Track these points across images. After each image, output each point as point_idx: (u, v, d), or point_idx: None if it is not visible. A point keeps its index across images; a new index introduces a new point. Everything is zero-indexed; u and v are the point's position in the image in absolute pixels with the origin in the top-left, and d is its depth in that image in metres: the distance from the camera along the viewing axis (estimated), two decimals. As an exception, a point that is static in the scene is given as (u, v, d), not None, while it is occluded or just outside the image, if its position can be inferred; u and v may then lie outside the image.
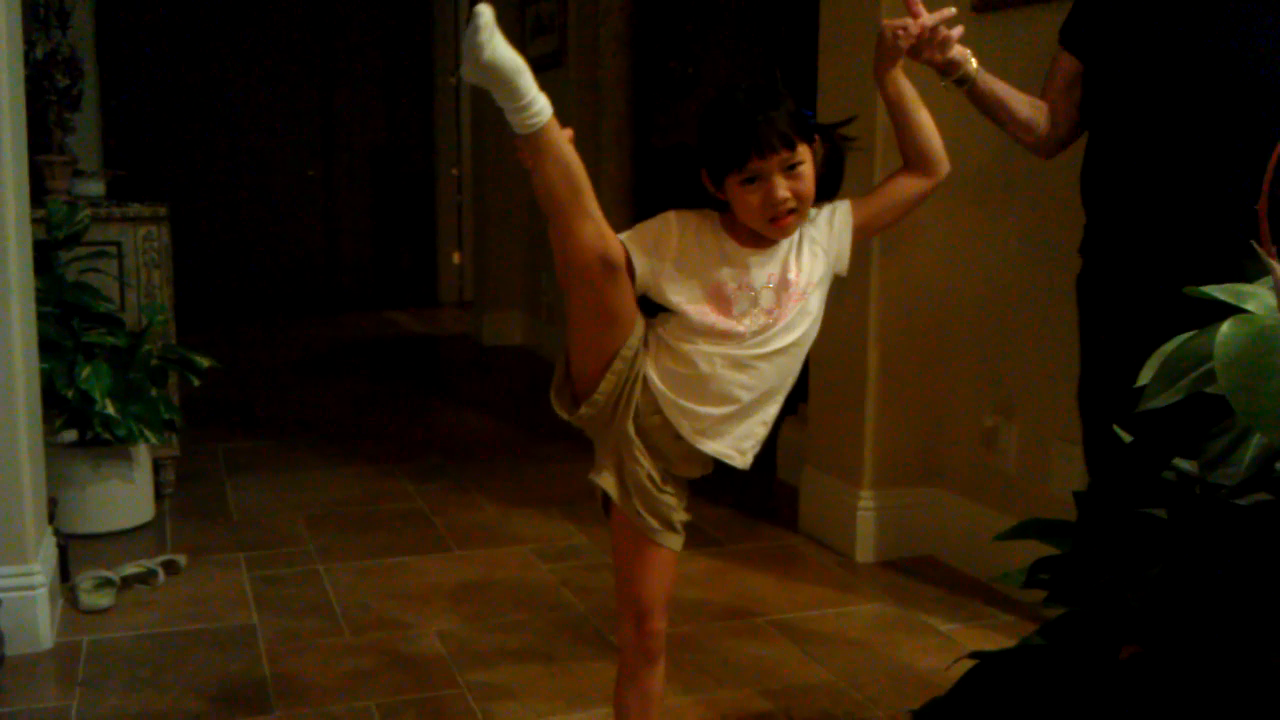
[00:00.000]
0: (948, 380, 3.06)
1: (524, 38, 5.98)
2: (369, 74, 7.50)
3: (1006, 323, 2.88)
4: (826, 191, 1.76)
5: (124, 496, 3.28)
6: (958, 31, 1.96)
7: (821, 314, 1.79)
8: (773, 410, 1.78)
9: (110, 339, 3.20)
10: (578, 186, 1.61)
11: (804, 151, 1.67)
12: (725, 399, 1.71)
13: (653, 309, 1.73)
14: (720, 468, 1.80)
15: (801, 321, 1.75)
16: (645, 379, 1.71)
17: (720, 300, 1.69)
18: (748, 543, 3.22)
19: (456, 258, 7.76)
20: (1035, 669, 0.79)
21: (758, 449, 1.80)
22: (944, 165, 1.84)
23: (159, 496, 3.46)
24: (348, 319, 7.19)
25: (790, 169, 1.65)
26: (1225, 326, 0.61)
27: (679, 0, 5.05)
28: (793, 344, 1.74)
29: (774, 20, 4.31)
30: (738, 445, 1.76)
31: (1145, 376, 0.74)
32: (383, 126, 7.62)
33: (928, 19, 1.88)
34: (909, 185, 1.84)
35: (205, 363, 3.42)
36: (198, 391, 3.59)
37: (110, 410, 3.11)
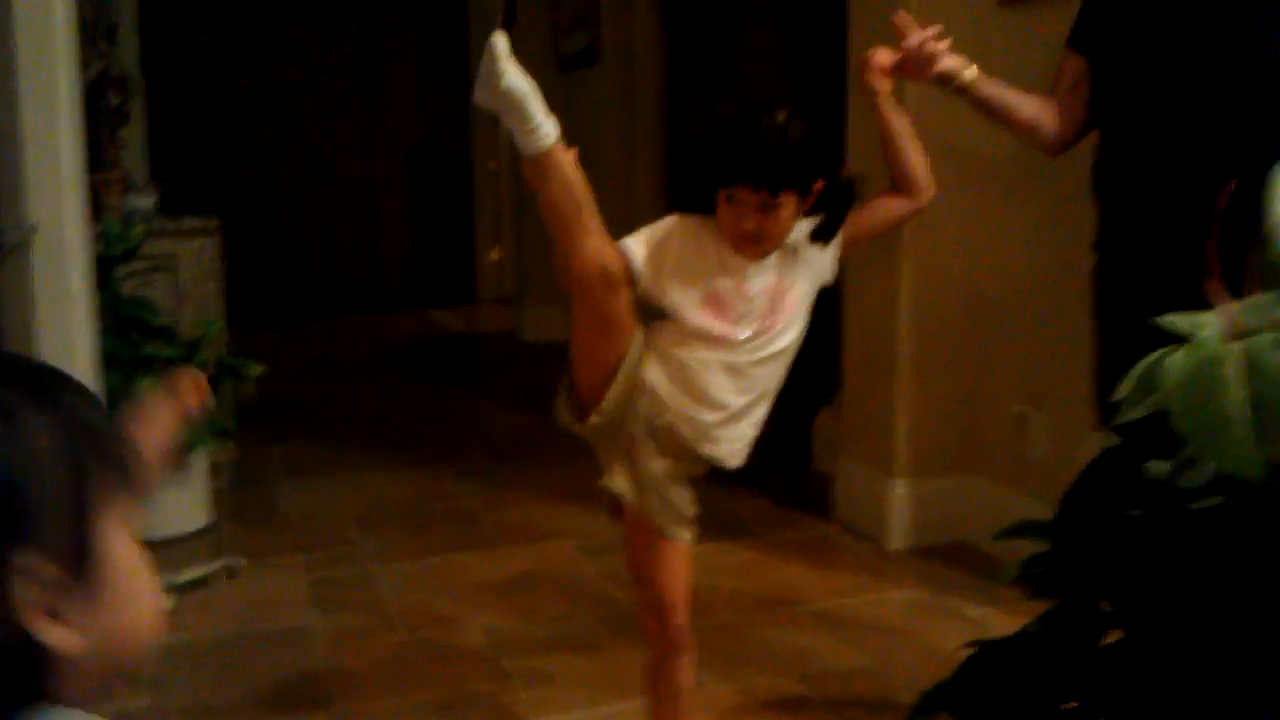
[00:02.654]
0: (979, 369, 3.13)
1: (557, 35, 6.07)
2: (407, 72, 7.61)
3: (1036, 312, 2.94)
4: (823, 234, 1.85)
5: (182, 503, 3.40)
6: (945, 45, 2.02)
7: (806, 323, 1.89)
8: (761, 413, 1.89)
9: (167, 351, 3.32)
10: (580, 204, 1.75)
11: (788, 199, 1.75)
12: (719, 404, 1.82)
13: (649, 317, 1.84)
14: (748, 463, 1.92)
15: (790, 330, 1.85)
16: (649, 385, 1.81)
17: (718, 306, 1.80)
18: (784, 533, 3.30)
19: (495, 254, 7.86)
20: (1029, 655, 0.88)
21: (749, 449, 1.90)
22: (928, 191, 1.93)
23: (216, 503, 3.59)
24: (391, 319, 7.32)
25: (768, 208, 1.74)
26: (1177, 355, 0.68)
27: (710, -3, 5.12)
28: (782, 351, 1.86)
29: (806, 15, 4.37)
30: (731, 447, 1.87)
31: (1121, 392, 0.82)
32: (421, 125, 7.73)
33: (911, 40, 1.96)
34: (894, 206, 1.94)
35: (256, 370, 3.54)
36: (250, 395, 3.72)
37: (169, 419, 3.23)
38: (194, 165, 6.88)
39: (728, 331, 1.79)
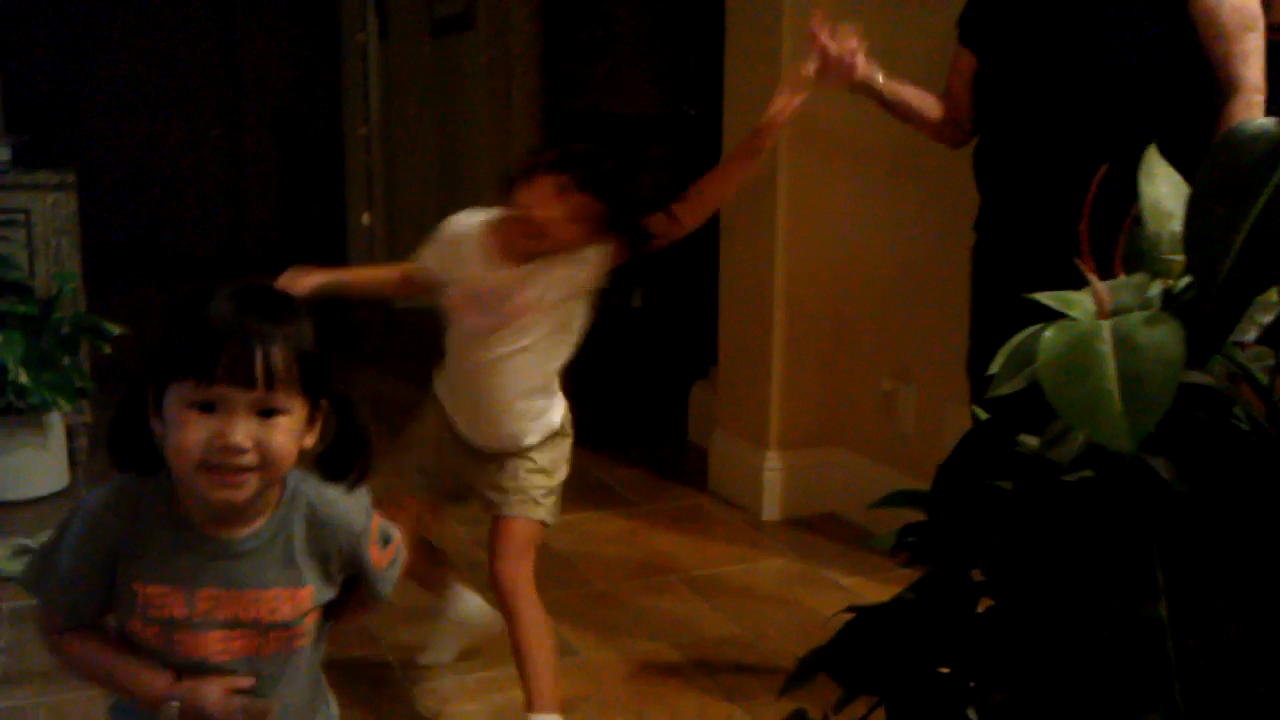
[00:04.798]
0: (850, 346, 3.19)
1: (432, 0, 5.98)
2: (273, 31, 7.40)
3: (906, 291, 3.01)
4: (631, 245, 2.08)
5: (39, 464, 3.28)
6: (862, 49, 2.07)
7: (573, 332, 2.02)
8: (521, 406, 2.01)
9: (21, 308, 3.19)
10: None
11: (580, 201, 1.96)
12: (467, 396, 2.01)
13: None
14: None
15: (530, 332, 1.96)
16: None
17: (474, 307, 1.96)
18: (659, 503, 3.33)
19: (366, 218, 7.71)
20: (905, 621, 0.90)
21: (535, 432, 2.04)
22: (691, 228, 2.13)
23: (73, 464, 3.47)
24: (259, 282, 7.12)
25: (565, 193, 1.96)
26: (1049, 331, 0.71)
27: (590, -36, 5.09)
28: (523, 349, 1.96)
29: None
30: (500, 436, 2.02)
31: (995, 366, 0.84)
32: (289, 87, 7.52)
33: (832, 49, 2.00)
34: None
35: (116, 330, 3.42)
36: (108, 357, 3.59)
37: (23, 379, 3.11)
38: (48, 120, 6.59)
39: (479, 330, 1.95)
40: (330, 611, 1.30)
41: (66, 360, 3.30)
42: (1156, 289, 0.81)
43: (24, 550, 2.80)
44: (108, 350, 3.44)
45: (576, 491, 3.51)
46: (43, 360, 3.21)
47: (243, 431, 1.11)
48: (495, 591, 2.05)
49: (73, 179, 3.55)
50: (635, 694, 2.27)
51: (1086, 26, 2.01)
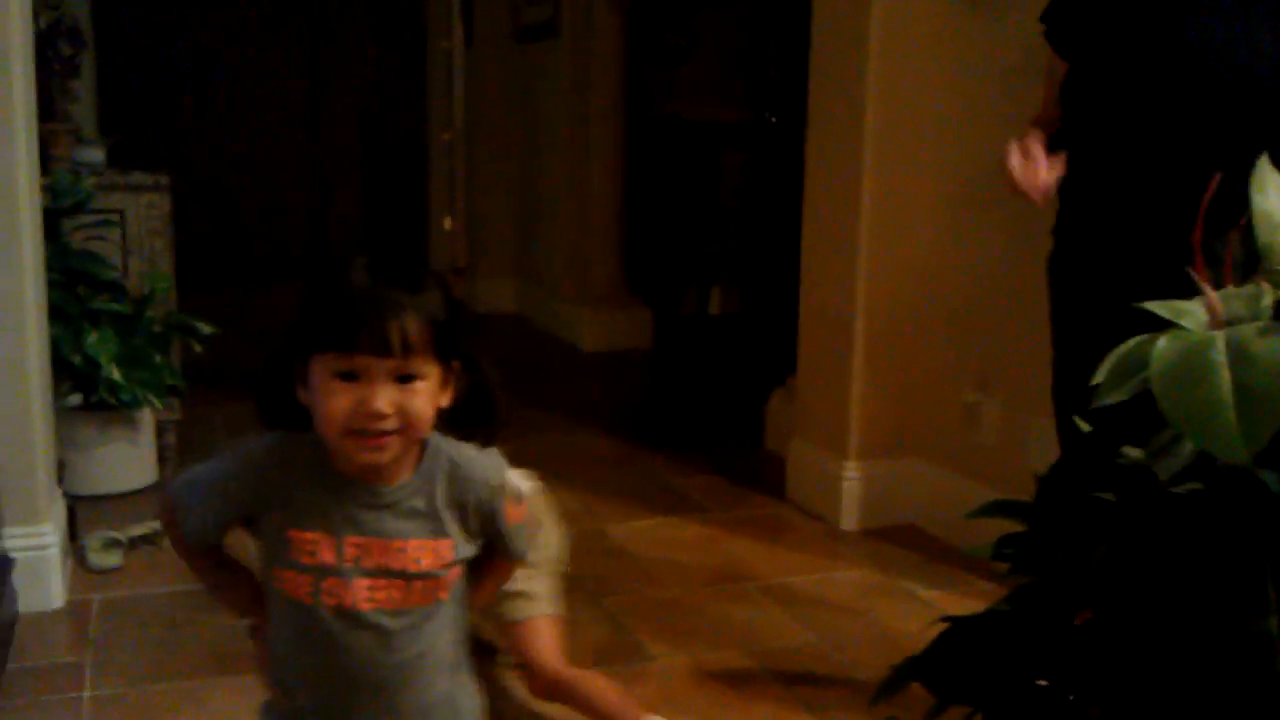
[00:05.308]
0: (932, 355, 3.16)
1: (517, 4, 6.03)
2: (358, 37, 7.52)
3: (989, 302, 2.97)
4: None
5: (129, 459, 3.37)
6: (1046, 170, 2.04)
7: None
8: None
9: (115, 306, 3.27)
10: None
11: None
12: None
13: None
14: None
15: None
16: None
17: None
18: (736, 510, 3.32)
19: (448, 223, 7.80)
20: (1001, 632, 0.89)
21: None
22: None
23: (162, 460, 3.55)
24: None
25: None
26: (1161, 340, 0.70)
27: (674, -28, 5.10)
28: None
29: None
30: None
31: (1100, 376, 0.83)
32: (374, 92, 7.64)
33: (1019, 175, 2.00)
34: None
35: (207, 329, 3.50)
36: (198, 357, 3.67)
37: (116, 376, 3.19)
38: (142, 122, 6.76)
39: None
40: (473, 573, 1.35)
41: (158, 358, 3.37)
42: (1269, 300, 0.79)
43: (113, 542, 2.87)
44: (199, 349, 3.52)
45: (653, 498, 3.57)
46: (135, 358, 3.29)
47: (384, 398, 1.17)
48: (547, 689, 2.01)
49: (167, 180, 3.64)
50: (709, 701, 2.26)
51: (1196, 34, 1.97)
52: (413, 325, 1.18)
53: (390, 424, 1.18)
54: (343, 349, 1.17)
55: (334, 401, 1.18)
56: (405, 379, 1.19)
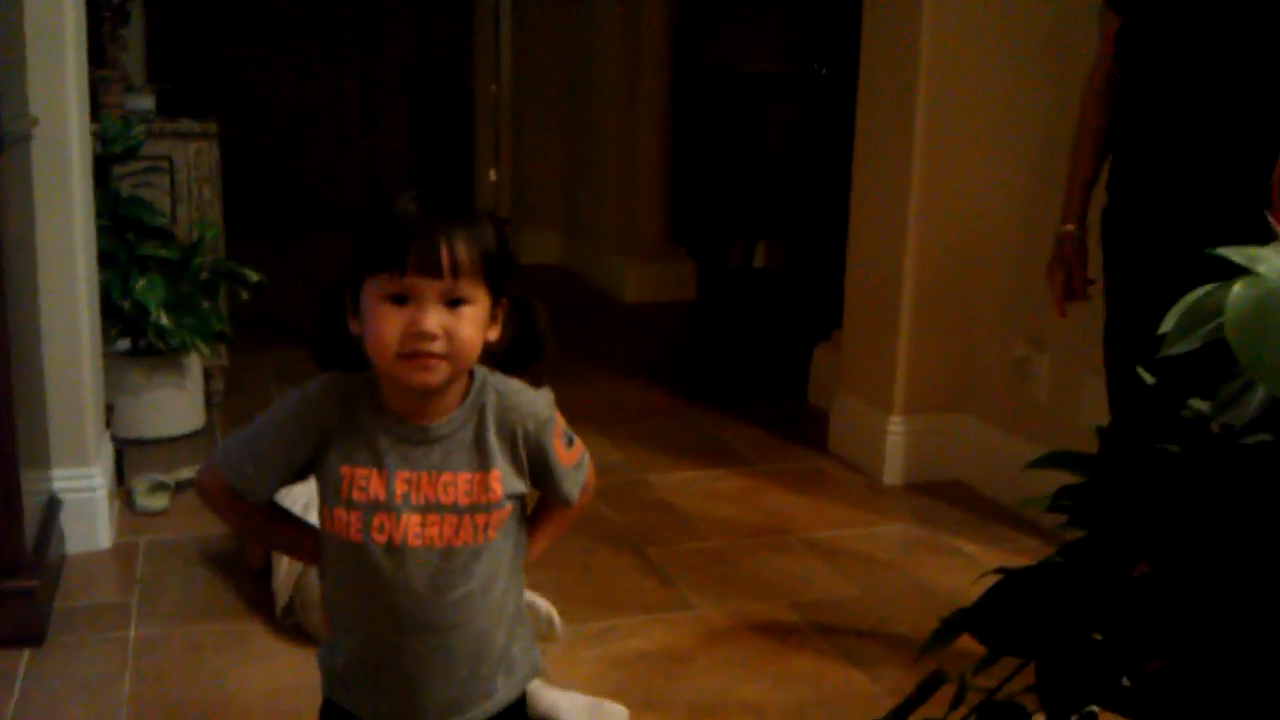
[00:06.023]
0: (981, 311, 3.12)
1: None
2: (408, -10, 7.49)
3: (1043, 255, 2.92)
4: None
5: (176, 404, 3.40)
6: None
7: None
8: None
9: (164, 252, 3.29)
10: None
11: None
12: None
13: None
14: None
15: None
16: None
17: None
18: (779, 463, 3.31)
19: (493, 175, 7.79)
20: (1055, 584, 0.87)
21: None
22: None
23: (209, 405, 3.58)
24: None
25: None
26: (1237, 287, 0.67)
27: (723, -80, 5.03)
28: None
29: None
30: None
31: (1167, 325, 0.80)
32: (421, 44, 7.62)
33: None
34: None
35: (255, 277, 3.51)
36: (245, 304, 3.69)
37: (164, 321, 3.21)
38: (191, 71, 6.78)
39: None
40: (526, 518, 1.35)
41: (206, 305, 3.40)
42: (1346, 246, 0.76)
43: (160, 485, 2.91)
44: (246, 296, 3.54)
45: (696, 449, 3.56)
46: (183, 304, 3.31)
47: (433, 319, 1.18)
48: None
49: (215, 128, 3.64)
50: (751, 652, 2.26)
51: None
52: (462, 249, 1.19)
53: (439, 346, 1.19)
54: (393, 269, 1.18)
55: (385, 325, 1.19)
56: (454, 303, 1.20)
